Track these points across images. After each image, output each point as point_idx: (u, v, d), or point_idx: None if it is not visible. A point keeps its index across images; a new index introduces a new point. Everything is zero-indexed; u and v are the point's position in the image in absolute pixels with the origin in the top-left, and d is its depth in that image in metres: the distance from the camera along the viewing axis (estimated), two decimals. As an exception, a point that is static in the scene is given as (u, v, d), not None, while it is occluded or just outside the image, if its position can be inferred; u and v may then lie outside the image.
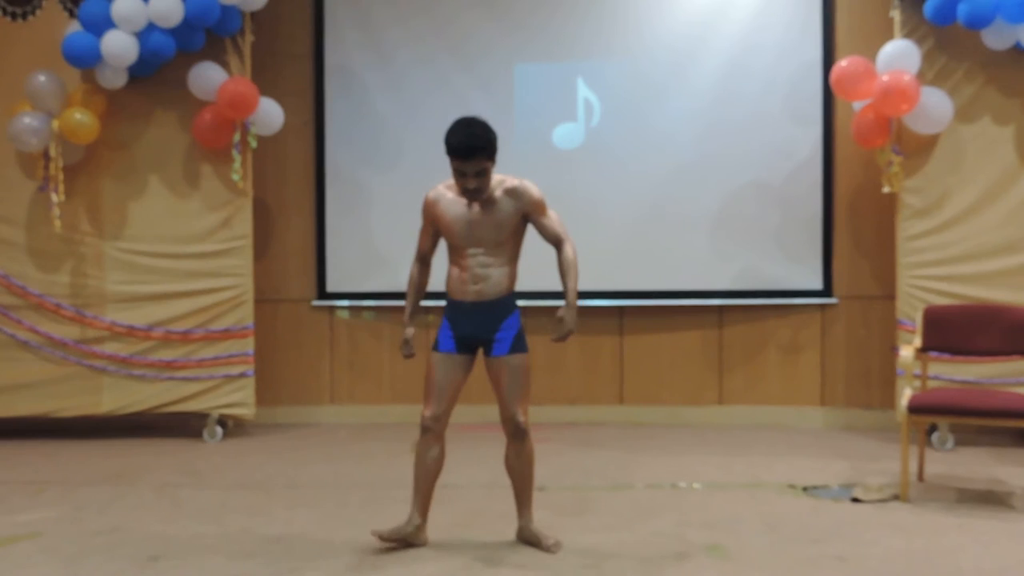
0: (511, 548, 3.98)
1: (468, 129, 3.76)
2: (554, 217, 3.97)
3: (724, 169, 6.54)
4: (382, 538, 3.93)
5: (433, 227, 4.04)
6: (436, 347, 3.98)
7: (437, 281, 4.16)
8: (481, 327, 3.93)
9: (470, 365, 4.01)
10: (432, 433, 3.95)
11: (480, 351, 4.00)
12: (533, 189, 3.94)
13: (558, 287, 6.52)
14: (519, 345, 3.95)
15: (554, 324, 3.83)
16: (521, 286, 6.51)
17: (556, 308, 3.88)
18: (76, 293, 6.27)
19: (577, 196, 6.64)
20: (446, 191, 3.97)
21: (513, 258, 3.99)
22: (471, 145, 3.74)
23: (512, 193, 3.90)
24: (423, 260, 4.12)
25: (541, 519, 4.37)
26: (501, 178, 3.93)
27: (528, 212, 3.92)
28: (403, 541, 3.96)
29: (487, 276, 3.90)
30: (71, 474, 5.41)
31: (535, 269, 6.72)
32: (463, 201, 3.90)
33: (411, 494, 4.02)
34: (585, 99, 6.67)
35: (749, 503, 4.67)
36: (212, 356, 6.29)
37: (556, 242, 3.95)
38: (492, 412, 5.76)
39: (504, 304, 3.94)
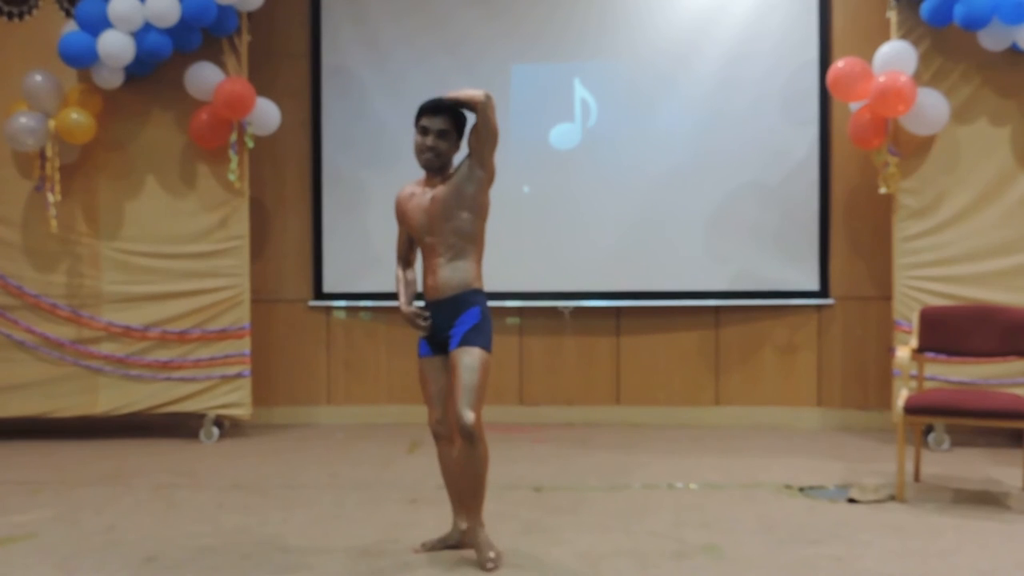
0: (508, 549, 3.96)
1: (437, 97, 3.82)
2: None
3: (721, 169, 6.54)
4: (427, 548, 3.94)
5: (405, 225, 3.97)
6: (419, 353, 3.95)
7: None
8: (440, 325, 3.84)
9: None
10: (443, 437, 3.94)
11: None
12: None
13: (554, 288, 6.60)
14: (471, 339, 3.76)
15: None
16: (516, 286, 6.65)
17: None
18: (72, 293, 6.26)
19: (574, 196, 6.67)
20: (414, 186, 3.92)
21: (472, 253, 3.86)
22: (438, 102, 3.78)
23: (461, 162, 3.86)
24: (404, 261, 4.03)
25: (538, 519, 4.37)
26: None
27: (471, 144, 3.79)
28: (452, 547, 3.96)
29: (443, 272, 3.81)
30: (67, 474, 5.40)
31: (532, 269, 6.81)
32: (425, 193, 3.84)
33: (448, 499, 4.02)
34: (582, 99, 6.67)
35: (745, 503, 4.67)
36: (208, 356, 6.28)
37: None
38: (494, 412, 5.81)
39: (460, 300, 3.81)
